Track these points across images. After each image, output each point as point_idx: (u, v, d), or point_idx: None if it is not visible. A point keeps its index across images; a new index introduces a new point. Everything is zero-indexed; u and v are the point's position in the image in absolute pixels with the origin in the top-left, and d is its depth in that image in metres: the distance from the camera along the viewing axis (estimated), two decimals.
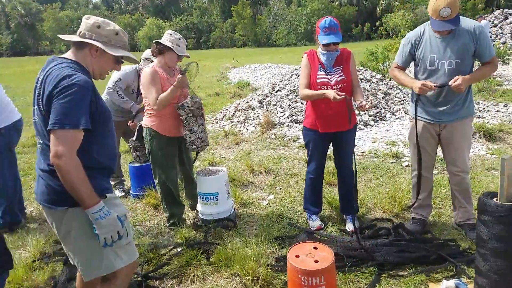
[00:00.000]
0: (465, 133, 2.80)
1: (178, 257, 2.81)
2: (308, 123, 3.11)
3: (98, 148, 1.75)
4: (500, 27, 16.43)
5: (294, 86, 7.34)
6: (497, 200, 2.01)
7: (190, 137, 3.16)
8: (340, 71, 2.94)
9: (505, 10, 17.69)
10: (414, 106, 2.85)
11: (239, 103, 7.76)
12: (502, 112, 6.65)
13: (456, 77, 2.54)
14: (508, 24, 16.43)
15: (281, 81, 7.91)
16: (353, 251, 2.66)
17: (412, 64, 2.95)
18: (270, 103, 7.20)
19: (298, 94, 2.72)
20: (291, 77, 7.90)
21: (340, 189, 3.27)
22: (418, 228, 3.01)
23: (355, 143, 5.49)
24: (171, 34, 3.09)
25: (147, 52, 3.86)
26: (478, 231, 2.05)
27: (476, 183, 3.84)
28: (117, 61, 1.87)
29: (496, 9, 20.51)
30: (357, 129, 6.21)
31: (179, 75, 2.95)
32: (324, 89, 2.88)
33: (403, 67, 2.92)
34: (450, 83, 2.56)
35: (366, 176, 4.33)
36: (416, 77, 2.86)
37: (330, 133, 3.02)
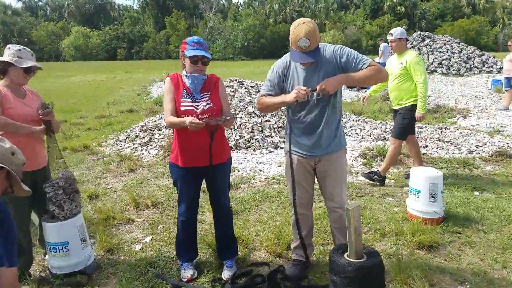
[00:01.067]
0: (340, 166, 2.58)
1: None
2: (173, 157, 2.70)
3: None
4: (418, 48, 17.56)
5: None
6: (347, 255, 1.75)
7: (57, 212, 2.70)
8: (207, 98, 2.60)
9: (422, 32, 18.77)
10: (288, 138, 2.58)
11: (147, 122, 7.18)
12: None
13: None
14: (425, 46, 17.57)
15: None
16: None
17: None
18: None
19: None
20: None
21: (216, 230, 2.89)
22: (297, 272, 2.72)
23: (260, 168, 5.22)
24: (9, 48, 2.64)
25: None
26: None
27: (367, 213, 3.70)
28: None
29: (418, 31, 21.45)
30: (267, 152, 6.02)
31: (45, 110, 2.64)
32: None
33: None
34: (317, 88, 2.32)
35: (262, 207, 4.02)
36: (288, 110, 2.60)
37: (197, 168, 2.64)
